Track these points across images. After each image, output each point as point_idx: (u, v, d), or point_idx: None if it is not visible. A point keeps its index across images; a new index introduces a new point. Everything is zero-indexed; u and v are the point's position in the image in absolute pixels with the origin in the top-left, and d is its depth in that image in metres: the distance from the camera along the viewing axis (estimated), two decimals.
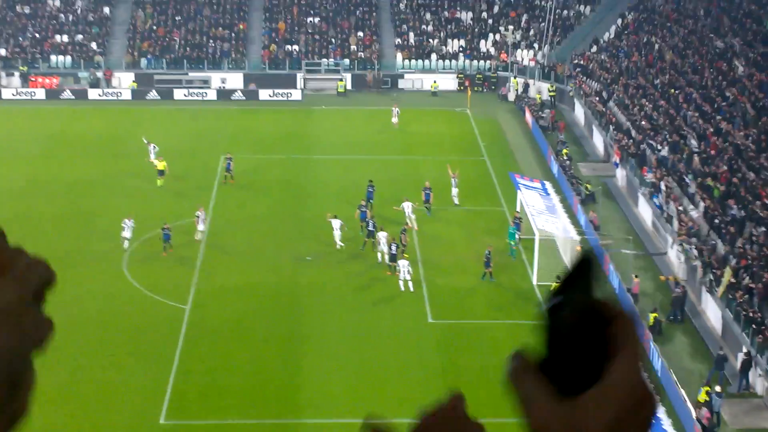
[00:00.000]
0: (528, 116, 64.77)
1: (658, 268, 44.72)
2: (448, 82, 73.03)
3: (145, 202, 50.31)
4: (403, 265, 42.10)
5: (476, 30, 77.25)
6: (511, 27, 77.03)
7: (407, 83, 73.36)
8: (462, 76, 73.21)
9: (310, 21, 78.05)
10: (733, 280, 39.36)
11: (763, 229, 41.83)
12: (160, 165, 53.00)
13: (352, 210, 47.88)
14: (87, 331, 38.28)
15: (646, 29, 70.41)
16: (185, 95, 70.55)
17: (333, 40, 76.41)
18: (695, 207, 46.46)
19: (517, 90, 71.03)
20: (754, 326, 37.16)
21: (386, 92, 71.28)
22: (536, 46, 75.17)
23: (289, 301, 41.25)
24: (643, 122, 56.52)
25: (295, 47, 75.67)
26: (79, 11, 78.16)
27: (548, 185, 49.09)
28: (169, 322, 39.31)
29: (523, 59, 74.51)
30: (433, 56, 75.18)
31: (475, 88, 72.05)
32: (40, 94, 70.54)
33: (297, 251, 45.43)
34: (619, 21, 73.67)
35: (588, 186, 52.43)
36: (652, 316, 38.89)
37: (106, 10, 78.43)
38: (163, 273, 43.43)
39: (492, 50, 75.75)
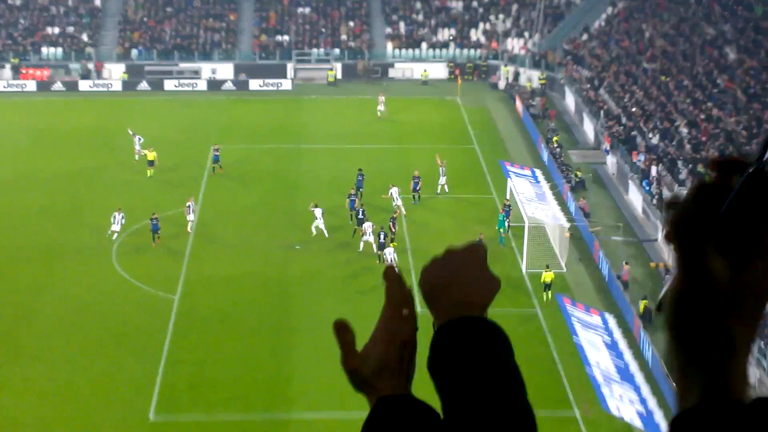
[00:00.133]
0: (518, 104, 64.71)
1: (648, 255, 44.71)
2: (438, 71, 72.90)
3: (135, 193, 50.24)
4: (389, 252, 42.10)
5: (467, 18, 77.10)
6: (501, 15, 76.89)
7: (398, 72, 73.23)
8: (452, 64, 73.10)
9: (301, 11, 77.87)
10: None
11: None
12: (150, 155, 52.90)
13: (342, 199, 47.86)
14: (76, 323, 38.24)
15: (636, 17, 70.30)
16: (176, 86, 70.39)
17: (323, 30, 76.25)
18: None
19: (507, 78, 70.94)
20: None
21: (377, 81, 71.15)
22: (527, 34, 75.05)
23: (278, 292, 41.21)
24: (634, 109, 56.51)
25: (286, 37, 75.52)
26: (69, 2, 77.92)
27: (538, 173, 49.03)
28: (158, 313, 39.27)
29: (513, 48, 74.40)
30: (424, 45, 75.05)
31: (466, 77, 71.95)
32: (31, 86, 70.36)
33: (287, 241, 45.40)
34: (610, 9, 73.54)
35: (578, 173, 52.41)
36: (642, 303, 38.88)
37: (97, 1, 78.19)
38: (153, 263, 43.39)
39: (482, 39, 75.62)
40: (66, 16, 77.06)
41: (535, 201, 45.78)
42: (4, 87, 69.95)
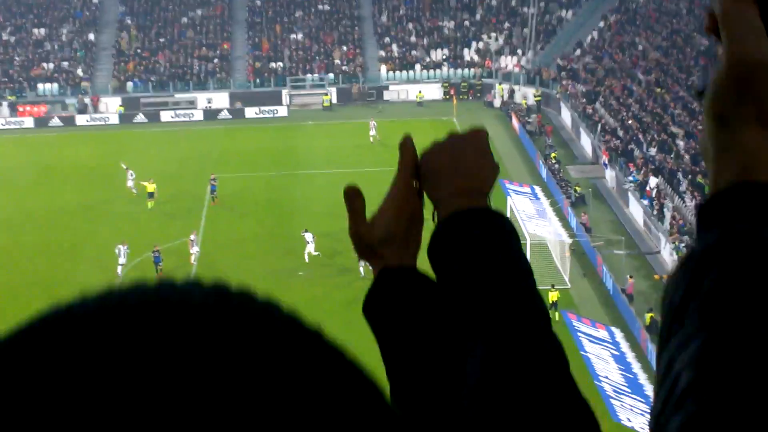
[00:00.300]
0: (515, 122, 64.82)
1: (651, 267, 44.69)
2: (433, 92, 73.08)
3: (135, 226, 50.24)
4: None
5: (459, 38, 77.38)
6: (493, 34, 77.15)
7: (392, 95, 73.41)
8: (447, 85, 73.29)
9: (293, 37, 78.14)
10: None
11: None
12: (150, 187, 52.95)
13: (342, 223, 47.81)
14: None
15: (629, 30, 70.56)
16: (172, 117, 70.55)
17: (317, 57, 76.49)
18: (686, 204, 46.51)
19: (502, 96, 71.10)
20: None
21: (372, 104, 71.31)
22: (520, 51, 75.30)
23: None
24: (630, 122, 56.62)
25: (280, 64, 75.75)
26: (63, 37, 78.21)
27: (538, 189, 49.09)
28: None
29: (507, 65, 74.62)
30: (417, 66, 75.26)
31: (461, 97, 72.10)
32: (29, 122, 70.51)
33: (289, 268, 45.40)
34: (602, 23, 73.82)
35: (577, 188, 52.46)
36: (648, 315, 38.83)
37: (91, 35, 78.47)
38: None
39: (476, 58, 75.85)
40: (60, 51, 77.33)
41: (535, 218, 45.80)
42: (2, 125, 70.09)
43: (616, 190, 53.37)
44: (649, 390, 32.53)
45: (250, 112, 70.47)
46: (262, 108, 70.61)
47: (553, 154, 57.56)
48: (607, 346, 34.62)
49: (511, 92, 71.29)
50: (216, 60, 76.12)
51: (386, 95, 73.26)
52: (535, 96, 69.30)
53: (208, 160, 59.82)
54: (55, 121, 70.32)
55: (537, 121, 64.68)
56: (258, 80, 74.46)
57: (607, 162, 55.20)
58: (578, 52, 71.77)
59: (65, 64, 76.24)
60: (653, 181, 49.21)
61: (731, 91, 1.32)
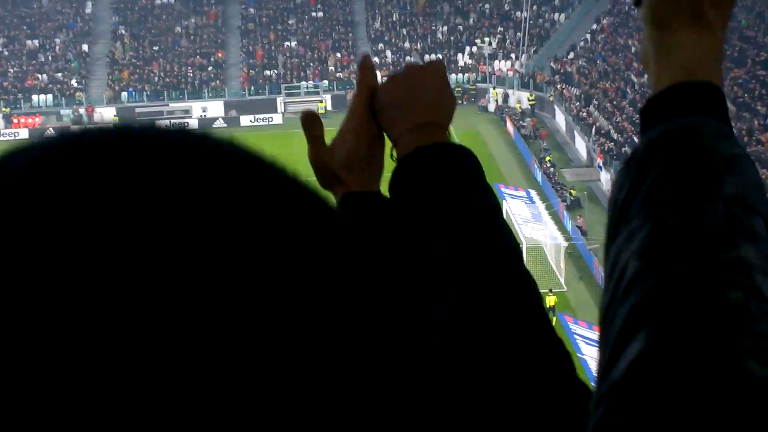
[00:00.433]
0: (509, 126, 64.90)
1: None
2: None
3: None
4: None
5: (453, 42, 77.52)
6: (487, 38, 77.29)
7: None
8: None
9: (287, 45, 78.24)
10: None
11: None
12: None
13: None
14: None
15: (622, 32, 70.70)
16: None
17: (312, 64, 76.60)
18: None
19: (497, 100, 71.20)
20: None
21: None
22: (513, 55, 75.44)
23: None
24: (624, 124, 56.74)
25: (274, 71, 75.84)
26: (57, 48, 78.28)
27: (533, 193, 49.16)
28: None
29: (501, 69, 74.74)
30: None
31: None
32: (24, 134, 70.50)
33: None
34: (595, 26, 73.97)
35: (573, 191, 52.54)
36: None
37: (84, 46, 78.55)
38: None
39: (470, 62, 75.97)
40: (54, 62, 77.39)
41: (531, 222, 45.88)
42: None
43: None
44: None
45: (245, 120, 70.56)
46: (257, 116, 70.69)
47: (548, 158, 57.65)
48: None
49: (506, 96, 71.40)
50: (210, 68, 76.20)
51: None
52: (529, 100, 69.40)
53: None
54: (50, 133, 70.10)
55: (531, 125, 64.78)
56: (252, 88, 74.55)
57: (602, 165, 55.30)
58: (572, 55, 71.91)
59: (59, 75, 76.29)
60: None
61: None
